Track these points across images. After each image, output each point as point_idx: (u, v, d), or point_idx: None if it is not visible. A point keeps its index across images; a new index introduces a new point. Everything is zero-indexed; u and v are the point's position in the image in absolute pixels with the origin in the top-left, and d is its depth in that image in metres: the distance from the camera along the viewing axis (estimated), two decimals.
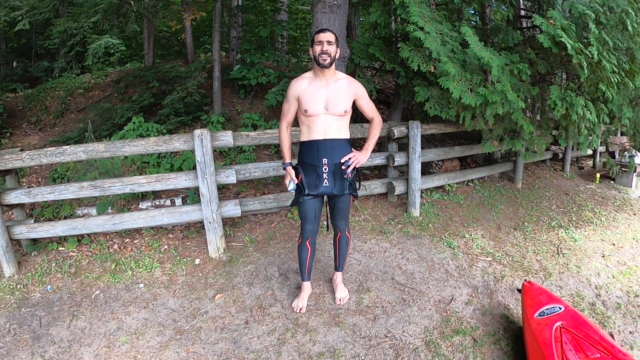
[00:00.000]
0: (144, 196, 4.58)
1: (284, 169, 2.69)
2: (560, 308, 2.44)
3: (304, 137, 2.63)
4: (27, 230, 3.44)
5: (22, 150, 3.40)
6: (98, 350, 2.62)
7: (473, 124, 4.25)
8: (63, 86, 7.71)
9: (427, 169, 5.51)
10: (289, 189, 2.70)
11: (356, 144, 4.15)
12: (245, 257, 3.61)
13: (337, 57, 2.56)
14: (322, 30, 2.52)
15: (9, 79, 8.90)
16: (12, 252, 3.39)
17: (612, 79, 3.70)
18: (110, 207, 4.35)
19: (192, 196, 4.48)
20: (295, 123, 2.74)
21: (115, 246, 3.79)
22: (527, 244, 4.11)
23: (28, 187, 3.51)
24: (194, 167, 3.48)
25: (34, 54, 9.95)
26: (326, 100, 2.54)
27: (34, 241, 3.77)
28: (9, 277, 3.34)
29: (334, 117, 2.57)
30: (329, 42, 2.48)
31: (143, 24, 7.63)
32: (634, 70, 4.02)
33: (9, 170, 3.47)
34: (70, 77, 8.00)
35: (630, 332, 2.90)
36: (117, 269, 3.46)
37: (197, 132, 3.32)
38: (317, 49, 2.49)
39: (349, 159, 2.59)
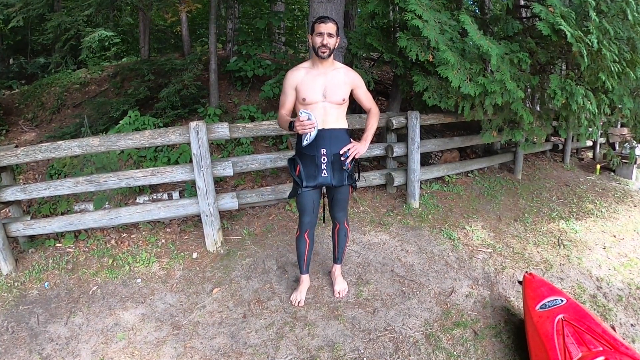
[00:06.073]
0: (141, 190, 4.55)
1: (293, 127, 2.44)
2: (561, 300, 2.41)
3: None
4: (23, 227, 3.41)
5: (17, 146, 3.36)
6: (95, 346, 2.60)
7: (472, 114, 4.21)
8: (59, 82, 7.66)
9: (426, 159, 5.46)
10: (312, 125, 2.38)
11: (354, 135, 4.11)
12: (243, 251, 3.59)
13: (336, 47, 2.52)
14: (323, 20, 2.44)
15: (5, 77, 8.85)
16: (9, 249, 3.35)
17: (613, 69, 3.65)
18: (107, 202, 4.32)
19: (189, 189, 4.45)
20: (293, 115, 2.69)
21: (113, 241, 3.76)
22: (528, 235, 4.08)
23: (24, 184, 3.48)
24: (191, 160, 3.44)
25: (30, 51, 9.89)
26: (324, 88, 2.51)
27: (31, 238, 3.73)
28: (7, 274, 3.31)
29: (332, 105, 2.53)
30: (329, 35, 2.43)
31: (138, 17, 7.55)
32: (635, 60, 3.97)
33: (5, 167, 3.43)
34: (66, 73, 7.95)
35: (631, 324, 2.87)
36: (115, 264, 3.44)
37: (193, 124, 3.28)
38: (317, 40, 2.44)
39: (348, 149, 2.55)
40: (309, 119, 2.38)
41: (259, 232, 3.91)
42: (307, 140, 2.47)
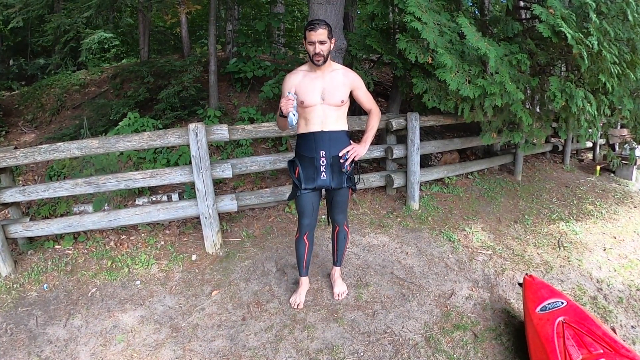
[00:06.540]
0: (140, 192, 4.54)
1: (282, 114, 2.44)
2: (562, 303, 2.41)
3: (301, 130, 2.59)
4: (22, 229, 3.40)
5: (16, 148, 3.36)
6: (94, 349, 2.59)
7: (472, 115, 4.20)
8: (59, 83, 7.66)
9: (426, 161, 5.46)
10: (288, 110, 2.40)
11: (354, 136, 4.12)
12: (243, 253, 3.58)
13: (332, 49, 2.51)
14: (313, 27, 2.37)
15: (5, 77, 8.86)
16: (9, 251, 3.35)
17: (613, 70, 3.64)
18: (106, 204, 4.31)
19: (188, 191, 4.44)
20: None
21: (112, 243, 3.75)
22: (528, 237, 4.07)
23: (23, 185, 3.47)
24: (190, 162, 3.43)
25: (30, 52, 9.90)
26: (322, 91, 2.50)
27: (30, 240, 3.72)
28: (6, 276, 3.30)
29: (331, 108, 2.52)
30: (321, 42, 2.39)
31: (138, 19, 7.55)
32: (635, 61, 3.96)
33: (4, 169, 3.43)
34: (66, 74, 7.95)
35: (632, 326, 2.87)
36: (114, 266, 3.43)
37: (192, 126, 3.28)
38: (310, 49, 2.43)
39: (347, 151, 2.54)
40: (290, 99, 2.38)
41: (259, 234, 3.90)
42: (292, 121, 2.41)
